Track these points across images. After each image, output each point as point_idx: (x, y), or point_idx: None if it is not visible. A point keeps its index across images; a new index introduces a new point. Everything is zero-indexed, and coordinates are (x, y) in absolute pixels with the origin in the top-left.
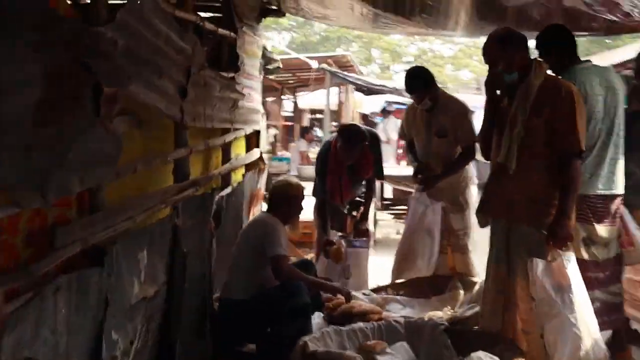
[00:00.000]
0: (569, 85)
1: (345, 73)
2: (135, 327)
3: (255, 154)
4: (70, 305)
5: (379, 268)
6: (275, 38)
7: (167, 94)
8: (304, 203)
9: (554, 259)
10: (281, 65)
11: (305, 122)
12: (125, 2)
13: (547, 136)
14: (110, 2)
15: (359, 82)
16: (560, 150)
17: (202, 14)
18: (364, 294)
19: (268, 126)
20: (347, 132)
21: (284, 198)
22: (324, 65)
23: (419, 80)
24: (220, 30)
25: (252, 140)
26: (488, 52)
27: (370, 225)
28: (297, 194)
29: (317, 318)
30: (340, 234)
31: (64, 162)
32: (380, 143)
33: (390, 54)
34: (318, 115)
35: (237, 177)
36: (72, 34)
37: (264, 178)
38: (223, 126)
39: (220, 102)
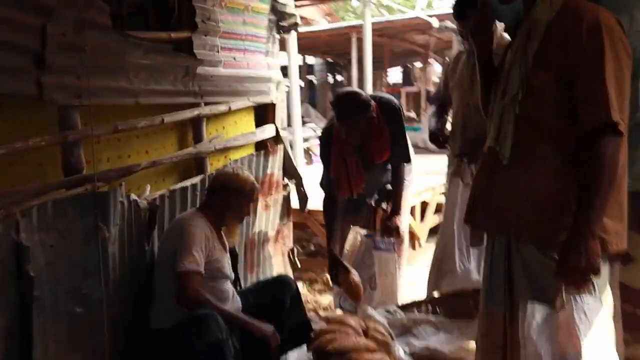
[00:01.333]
0: (600, 14)
1: None
2: None
3: (266, 131)
4: None
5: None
6: None
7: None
8: (250, 205)
9: (562, 307)
10: (299, 22)
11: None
12: None
13: (561, 101)
14: None
15: None
16: (582, 122)
17: None
18: (387, 311)
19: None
20: (339, 102)
21: (220, 191)
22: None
23: None
24: None
25: (266, 114)
26: None
27: (403, 222)
28: (238, 188)
29: (298, 355)
30: (364, 232)
31: None
32: (400, 115)
33: None
34: None
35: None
36: None
37: (278, 160)
38: (169, 101)
39: (152, 71)
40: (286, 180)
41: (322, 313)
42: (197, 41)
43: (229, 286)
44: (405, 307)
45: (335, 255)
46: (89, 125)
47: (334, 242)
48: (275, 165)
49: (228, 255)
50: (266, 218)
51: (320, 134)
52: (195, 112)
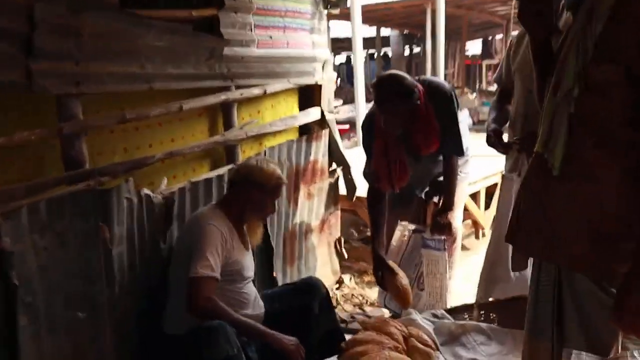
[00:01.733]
0: None
1: None
2: None
3: (309, 114)
4: None
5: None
6: None
7: None
8: (275, 202)
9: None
10: None
11: None
12: None
13: (631, 103)
14: None
15: None
16: None
17: None
18: (434, 315)
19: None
20: (378, 86)
21: (241, 184)
22: None
23: None
24: None
25: (312, 96)
26: None
27: (456, 219)
28: (262, 183)
29: None
30: (413, 226)
31: None
32: (452, 101)
33: None
34: None
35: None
36: None
37: (322, 146)
38: (191, 86)
39: (169, 54)
40: (334, 166)
41: (368, 309)
42: (224, 19)
43: (250, 289)
44: (455, 311)
45: (380, 255)
46: (95, 115)
47: (379, 240)
48: (319, 151)
49: (250, 254)
50: (309, 208)
51: (362, 121)
52: (221, 97)
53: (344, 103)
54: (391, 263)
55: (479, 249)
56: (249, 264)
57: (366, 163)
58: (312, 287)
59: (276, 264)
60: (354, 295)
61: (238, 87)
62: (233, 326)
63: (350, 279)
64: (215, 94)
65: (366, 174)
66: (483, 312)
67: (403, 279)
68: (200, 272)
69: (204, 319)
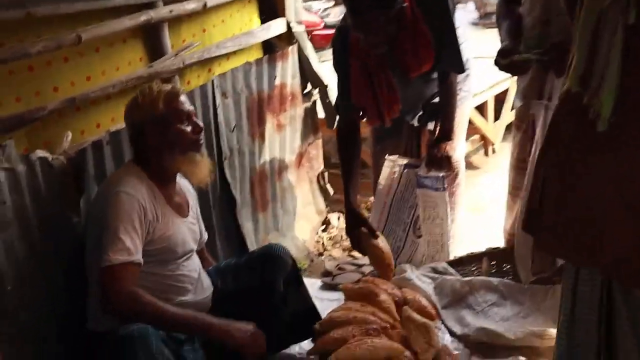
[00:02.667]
0: None
1: None
2: None
3: (271, 29)
4: None
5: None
6: None
7: None
8: (191, 120)
9: None
10: None
11: None
12: None
13: None
14: None
15: None
16: None
17: None
18: (434, 270)
19: None
20: None
21: (135, 133)
22: None
23: None
24: None
25: (275, 4)
26: None
27: (457, 149)
28: (148, 114)
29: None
30: (405, 161)
31: None
32: (448, 5)
33: None
34: None
35: None
36: None
37: (291, 66)
38: (95, 6)
39: None
40: (309, 87)
41: (359, 256)
42: None
43: (190, 267)
44: (460, 263)
45: (355, 210)
46: None
47: (354, 190)
48: (287, 72)
49: (190, 219)
50: (281, 141)
51: (333, 37)
52: (141, 17)
53: (335, 4)
54: (370, 220)
55: (489, 167)
56: (185, 235)
57: (339, 92)
58: (275, 259)
59: (241, 215)
60: (343, 237)
61: (167, 3)
62: (165, 325)
63: (339, 217)
64: (132, 15)
65: (341, 106)
66: (495, 262)
67: (383, 242)
68: (113, 259)
69: (125, 319)
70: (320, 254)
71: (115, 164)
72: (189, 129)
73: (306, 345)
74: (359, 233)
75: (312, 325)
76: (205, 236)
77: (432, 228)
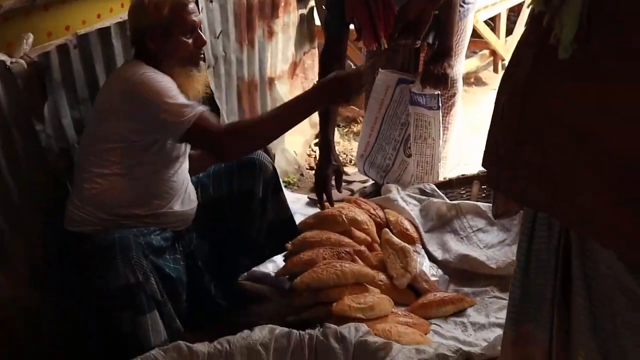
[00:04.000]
0: None
1: None
2: None
3: None
4: None
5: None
6: None
7: None
8: (194, 31)
9: None
10: None
11: None
12: None
13: None
14: None
15: None
16: None
17: None
18: (421, 191)
19: None
20: None
21: (137, 35)
22: None
23: None
24: None
25: None
26: None
27: (456, 66)
28: (152, 20)
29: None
30: (399, 75)
31: None
32: None
33: None
34: None
35: None
36: None
37: None
38: None
39: None
40: None
41: (350, 172)
42: None
43: (181, 176)
44: (449, 186)
45: (330, 144)
46: None
47: (332, 120)
48: None
49: None
50: (272, 49)
51: None
52: None
53: None
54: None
55: (498, 84)
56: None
57: (331, 8)
58: (254, 166)
59: None
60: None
61: None
62: (274, 131)
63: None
64: None
65: (332, 24)
66: (485, 187)
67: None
68: (186, 119)
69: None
70: (312, 168)
71: (84, 69)
72: (190, 41)
73: (282, 262)
74: (326, 177)
75: (288, 238)
76: None
77: (423, 148)
